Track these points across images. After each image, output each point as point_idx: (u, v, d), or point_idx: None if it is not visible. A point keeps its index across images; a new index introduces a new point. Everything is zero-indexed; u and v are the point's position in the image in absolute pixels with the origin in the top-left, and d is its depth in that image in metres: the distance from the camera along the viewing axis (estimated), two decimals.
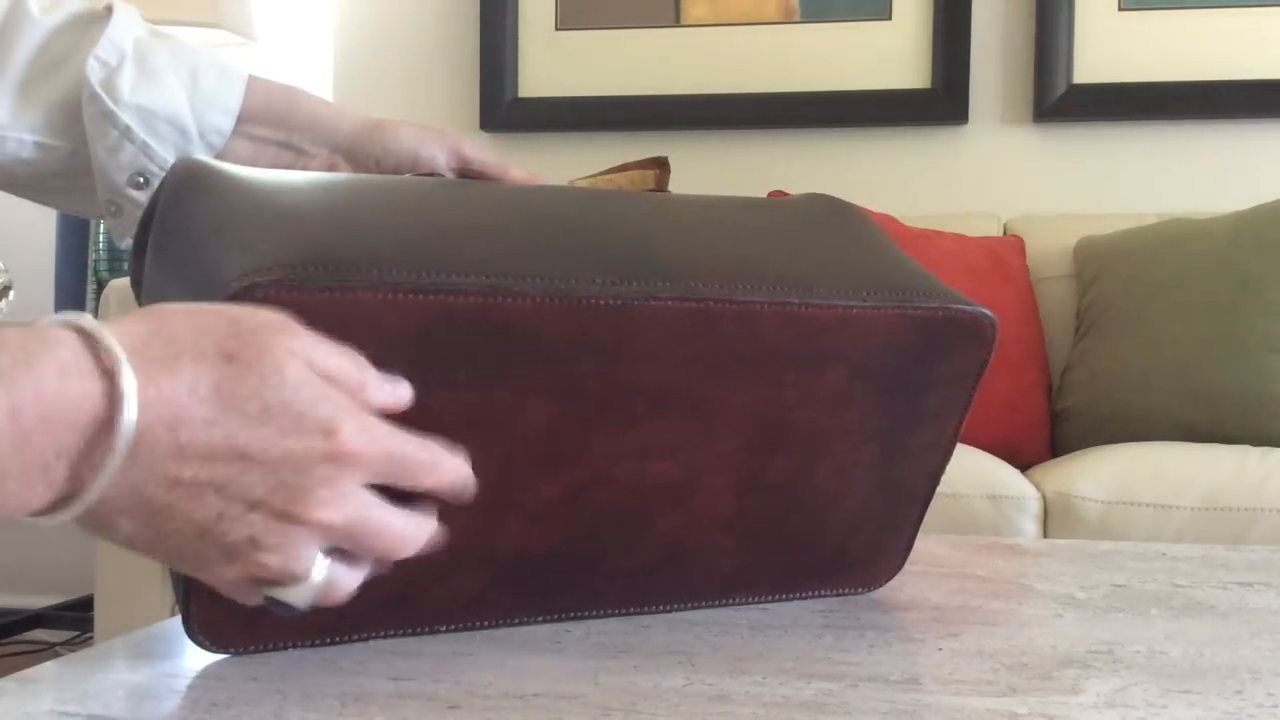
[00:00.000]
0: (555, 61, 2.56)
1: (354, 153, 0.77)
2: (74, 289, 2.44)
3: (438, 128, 0.77)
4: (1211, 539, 1.61)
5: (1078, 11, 2.39)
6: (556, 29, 2.57)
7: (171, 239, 0.55)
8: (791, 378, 0.58)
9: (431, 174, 0.67)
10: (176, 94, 0.74)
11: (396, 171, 0.75)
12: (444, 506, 0.52)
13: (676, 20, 2.53)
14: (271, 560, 0.44)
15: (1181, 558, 0.82)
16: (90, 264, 2.39)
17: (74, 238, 2.43)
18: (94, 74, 0.72)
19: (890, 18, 2.47)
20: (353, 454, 0.44)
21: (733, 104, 2.49)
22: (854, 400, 0.60)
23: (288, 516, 0.44)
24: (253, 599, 0.47)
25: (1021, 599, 0.69)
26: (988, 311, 0.61)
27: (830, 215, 0.67)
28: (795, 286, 0.57)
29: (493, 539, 0.56)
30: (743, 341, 0.56)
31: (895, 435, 0.63)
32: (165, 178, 0.56)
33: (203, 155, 0.75)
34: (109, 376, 0.40)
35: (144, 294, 0.59)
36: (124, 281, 1.89)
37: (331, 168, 0.76)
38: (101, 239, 2.36)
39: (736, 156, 2.50)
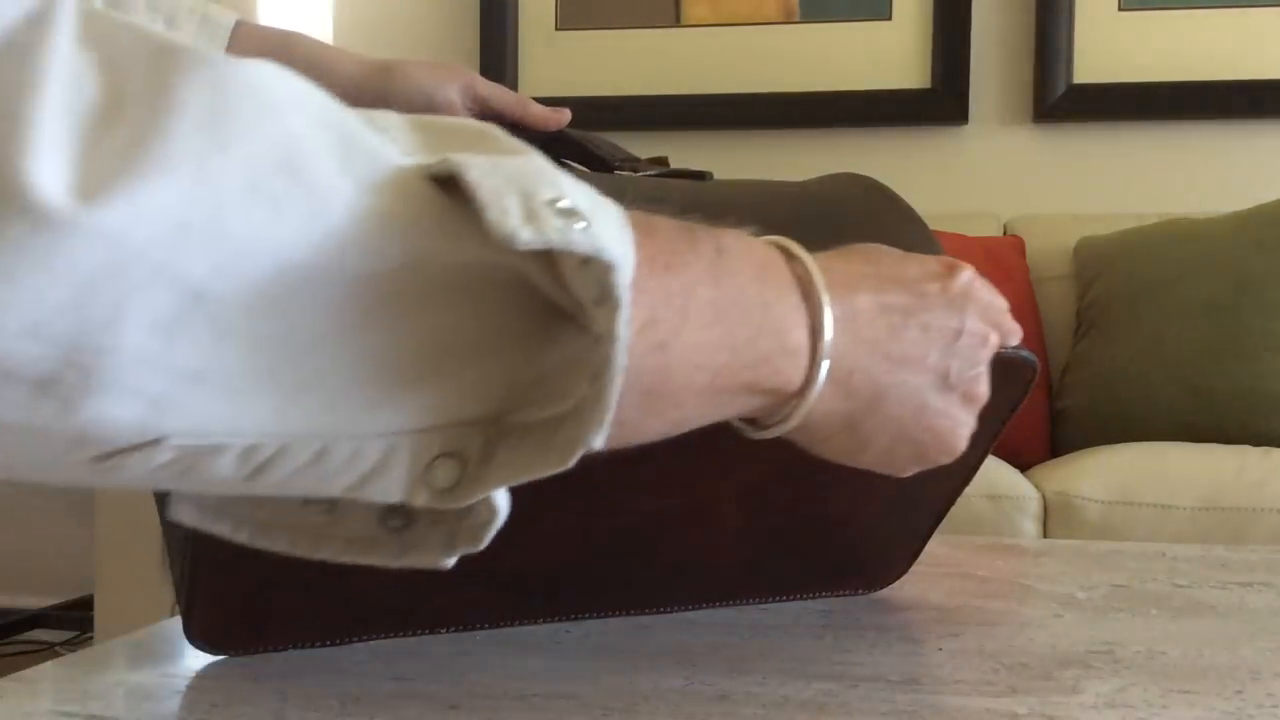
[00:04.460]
0: (555, 61, 2.56)
1: (362, 99, 0.70)
2: None
3: (448, 64, 0.73)
4: (1211, 539, 1.61)
5: (1078, 11, 2.39)
6: (556, 29, 2.57)
7: None
8: None
9: None
10: None
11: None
12: None
13: (676, 20, 2.53)
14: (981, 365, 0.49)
15: (1181, 558, 0.82)
16: None
17: None
18: None
19: (890, 18, 2.47)
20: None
21: (733, 104, 2.49)
22: None
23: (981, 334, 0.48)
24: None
25: (1021, 599, 0.69)
26: (1028, 354, 0.59)
27: (875, 215, 0.64)
28: None
29: (500, 555, 0.56)
30: None
31: None
32: None
33: None
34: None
35: None
36: None
37: None
38: None
39: (737, 156, 2.50)
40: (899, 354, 0.45)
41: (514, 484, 0.34)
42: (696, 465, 0.56)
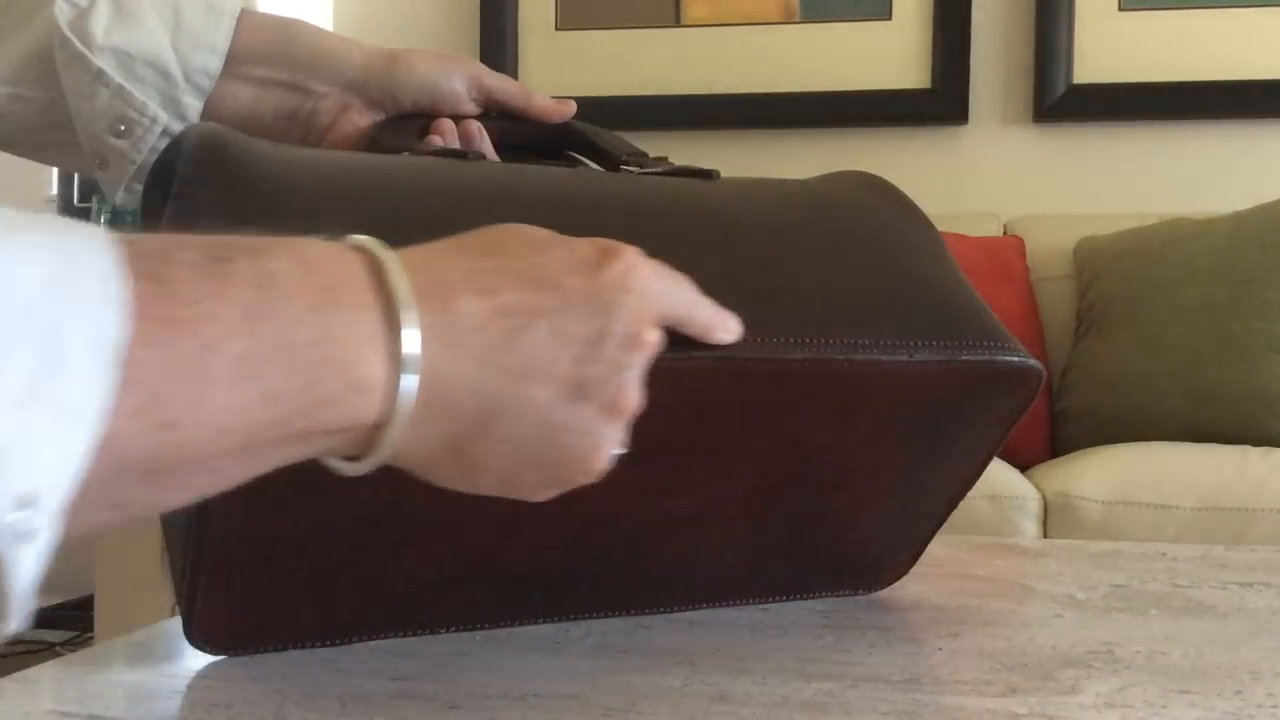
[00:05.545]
0: (555, 61, 2.56)
1: (367, 90, 0.71)
2: None
3: (454, 55, 0.72)
4: (1211, 539, 1.61)
5: (1078, 11, 2.39)
6: (556, 29, 2.57)
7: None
8: (822, 423, 0.56)
9: (452, 151, 0.63)
10: (157, 34, 0.68)
11: (415, 106, 0.71)
12: (454, 527, 0.51)
13: (676, 20, 2.53)
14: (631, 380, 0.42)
15: (1181, 558, 0.82)
16: None
17: None
18: (62, 16, 0.67)
19: (890, 18, 2.47)
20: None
21: (733, 104, 2.49)
22: (883, 442, 0.59)
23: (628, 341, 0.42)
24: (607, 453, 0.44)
25: (1021, 599, 0.69)
26: (1034, 362, 0.58)
27: (878, 212, 0.63)
28: (839, 336, 0.54)
29: (502, 557, 0.56)
30: (777, 394, 0.54)
31: (920, 469, 0.62)
32: (181, 144, 0.52)
33: (191, 99, 0.69)
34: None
35: None
36: None
37: (344, 109, 0.72)
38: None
39: (736, 156, 2.50)
40: (517, 365, 0.40)
41: None
42: (704, 468, 0.56)
